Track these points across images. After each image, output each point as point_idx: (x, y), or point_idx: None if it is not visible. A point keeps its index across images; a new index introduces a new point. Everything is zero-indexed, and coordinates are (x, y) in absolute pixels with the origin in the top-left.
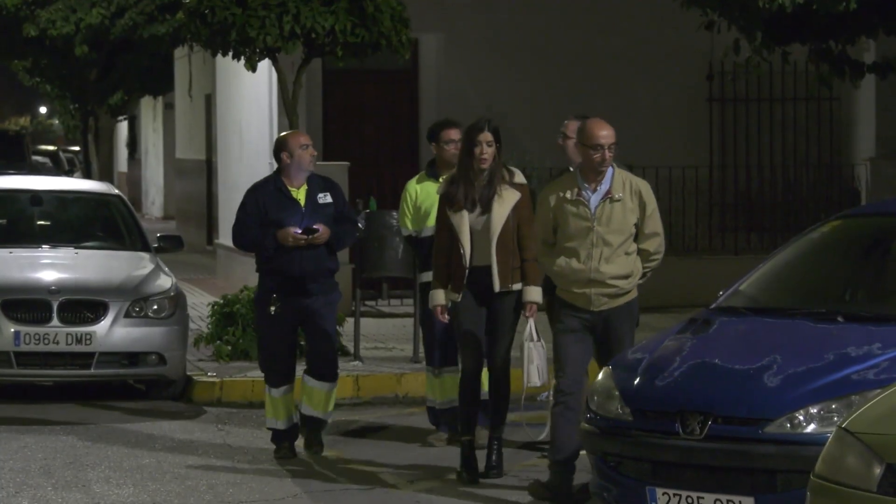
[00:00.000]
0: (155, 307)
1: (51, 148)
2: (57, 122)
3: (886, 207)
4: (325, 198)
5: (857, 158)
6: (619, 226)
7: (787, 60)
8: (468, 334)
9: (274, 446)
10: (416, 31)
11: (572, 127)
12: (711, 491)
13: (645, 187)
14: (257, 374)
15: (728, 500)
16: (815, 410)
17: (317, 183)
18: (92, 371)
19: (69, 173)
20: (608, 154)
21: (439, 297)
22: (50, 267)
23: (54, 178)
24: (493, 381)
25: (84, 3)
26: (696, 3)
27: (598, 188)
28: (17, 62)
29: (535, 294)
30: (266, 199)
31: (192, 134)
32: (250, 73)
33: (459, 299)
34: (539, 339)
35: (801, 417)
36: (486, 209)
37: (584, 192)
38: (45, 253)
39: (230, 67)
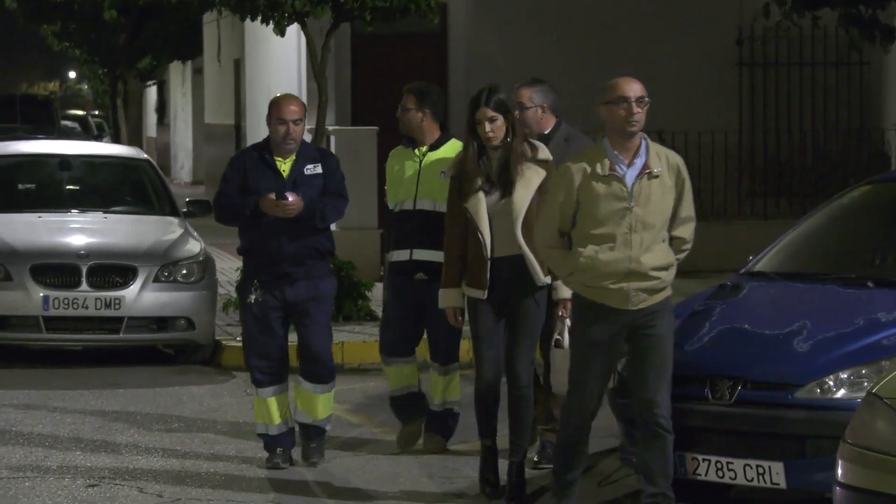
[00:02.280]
0: (184, 272)
1: (80, 112)
2: (86, 86)
3: None
4: (313, 168)
5: (887, 123)
6: (658, 206)
7: (817, 25)
8: (487, 340)
9: (265, 457)
10: None
11: (525, 94)
12: (740, 456)
13: (682, 162)
14: None
15: (757, 466)
16: (845, 376)
17: (309, 154)
18: (121, 336)
19: (98, 138)
20: (636, 109)
21: (453, 297)
22: (79, 231)
23: (83, 143)
24: (513, 397)
25: None
26: None
27: (635, 162)
28: (46, 27)
29: (567, 290)
30: (248, 165)
31: (221, 99)
32: (279, 37)
33: (485, 296)
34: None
35: (831, 383)
36: (508, 191)
37: (617, 167)
38: (74, 217)
39: (259, 32)
